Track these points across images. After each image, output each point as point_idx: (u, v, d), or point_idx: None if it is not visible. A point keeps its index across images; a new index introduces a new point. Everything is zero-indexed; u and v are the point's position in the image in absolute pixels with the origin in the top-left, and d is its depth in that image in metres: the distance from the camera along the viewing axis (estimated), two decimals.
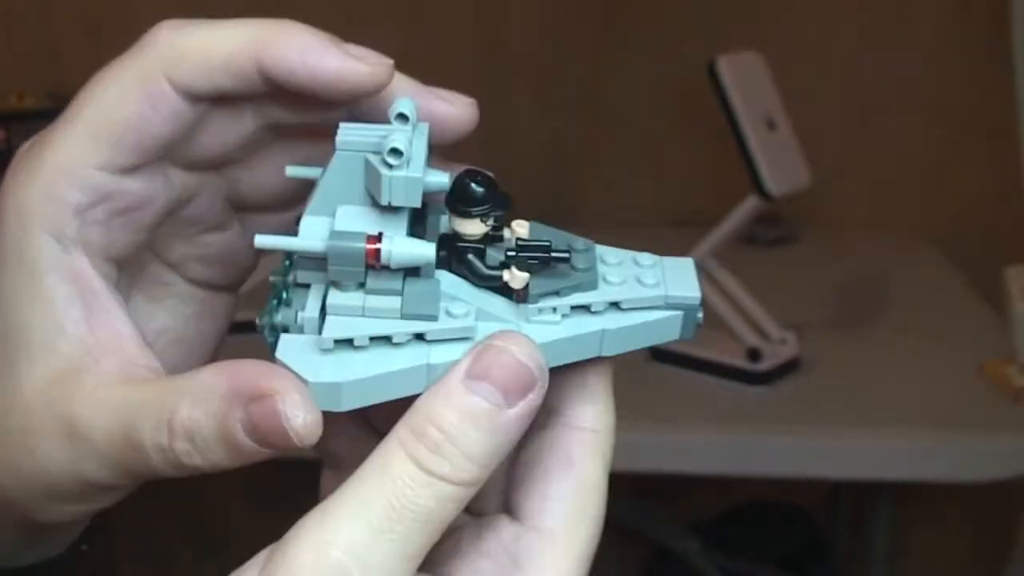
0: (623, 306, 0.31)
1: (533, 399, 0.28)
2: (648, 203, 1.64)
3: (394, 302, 0.29)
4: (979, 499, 1.61)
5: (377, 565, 0.26)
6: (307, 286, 0.30)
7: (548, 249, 0.30)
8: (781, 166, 1.06)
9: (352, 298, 0.29)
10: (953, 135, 1.60)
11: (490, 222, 0.30)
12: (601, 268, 0.32)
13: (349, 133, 0.30)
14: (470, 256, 0.30)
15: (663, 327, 0.32)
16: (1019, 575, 1.25)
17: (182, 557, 1.71)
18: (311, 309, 0.29)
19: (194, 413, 0.28)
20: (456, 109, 0.33)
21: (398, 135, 0.29)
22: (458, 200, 0.30)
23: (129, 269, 0.34)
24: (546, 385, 0.28)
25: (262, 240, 0.30)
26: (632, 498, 1.45)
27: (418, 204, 0.30)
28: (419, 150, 0.30)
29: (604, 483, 0.31)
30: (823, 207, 1.56)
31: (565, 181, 1.64)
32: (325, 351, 0.28)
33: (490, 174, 0.30)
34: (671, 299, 0.32)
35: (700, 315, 0.32)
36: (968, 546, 1.67)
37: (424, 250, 0.29)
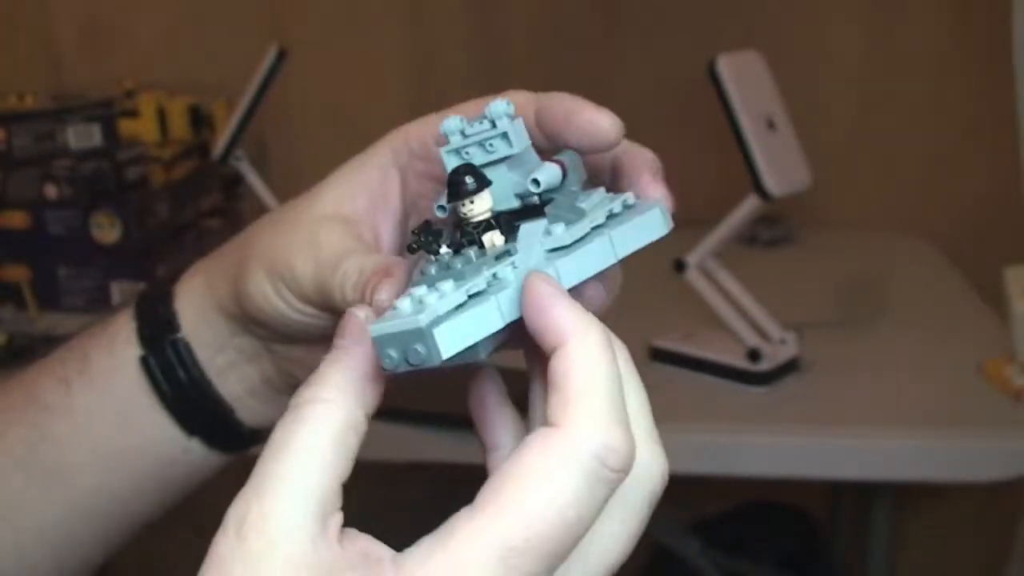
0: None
1: None
2: None
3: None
4: (979, 499, 1.61)
5: None
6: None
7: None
8: (781, 166, 1.06)
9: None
10: (953, 135, 1.60)
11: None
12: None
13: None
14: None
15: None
16: (1019, 575, 1.25)
17: (179, 546, 1.71)
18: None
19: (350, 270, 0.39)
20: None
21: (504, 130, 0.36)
22: (458, 193, 0.35)
23: None
24: None
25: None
26: None
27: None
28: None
29: (559, 480, 0.29)
30: (823, 207, 1.56)
31: None
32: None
33: (469, 164, 0.35)
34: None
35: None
36: (968, 546, 1.67)
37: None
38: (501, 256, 0.33)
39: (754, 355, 1.10)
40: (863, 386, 1.13)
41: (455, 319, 0.31)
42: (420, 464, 1.09)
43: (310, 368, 0.45)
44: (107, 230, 1.34)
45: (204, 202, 1.54)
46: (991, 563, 1.42)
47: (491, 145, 0.35)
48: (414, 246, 0.35)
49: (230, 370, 0.47)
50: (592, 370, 0.30)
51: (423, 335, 0.30)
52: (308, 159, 1.69)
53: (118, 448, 0.47)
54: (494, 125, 0.35)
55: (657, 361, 1.17)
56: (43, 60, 1.68)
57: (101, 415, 0.47)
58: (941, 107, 1.59)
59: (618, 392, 0.31)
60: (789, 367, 1.13)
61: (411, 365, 0.31)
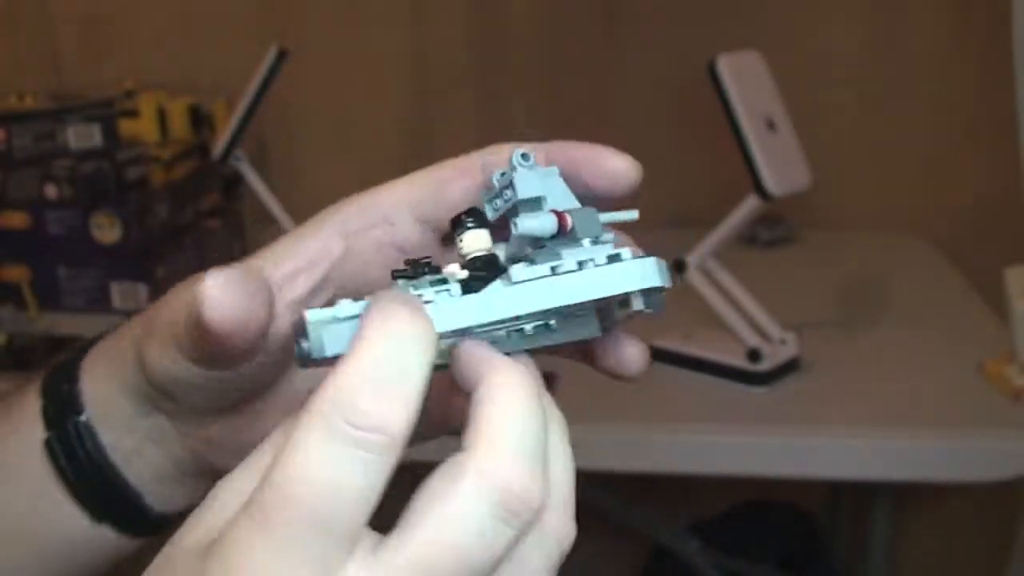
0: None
1: None
2: (648, 203, 1.63)
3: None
4: (979, 499, 1.61)
5: None
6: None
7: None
8: (781, 166, 1.06)
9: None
10: (953, 135, 1.60)
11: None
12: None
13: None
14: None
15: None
16: (1019, 575, 1.25)
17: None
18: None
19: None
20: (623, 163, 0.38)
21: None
22: (455, 228, 0.35)
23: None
24: None
25: None
26: (633, 498, 1.45)
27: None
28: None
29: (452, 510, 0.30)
30: (823, 207, 1.56)
31: None
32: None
33: (475, 208, 0.36)
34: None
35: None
36: (968, 546, 1.67)
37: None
38: (437, 283, 0.34)
39: (754, 355, 1.10)
40: (863, 386, 1.14)
41: (346, 323, 0.32)
42: (421, 464, 1.09)
43: (224, 450, 0.44)
44: (107, 230, 1.34)
45: (204, 202, 1.54)
46: (991, 563, 1.42)
47: (506, 194, 0.36)
48: (397, 273, 0.34)
49: (138, 454, 0.45)
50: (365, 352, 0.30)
51: (306, 329, 0.32)
52: (308, 159, 1.69)
53: (28, 531, 0.46)
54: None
55: (657, 361, 1.17)
56: (43, 60, 1.68)
57: (11, 498, 0.46)
58: (941, 107, 1.60)
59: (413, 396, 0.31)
60: (789, 367, 1.13)
61: (299, 357, 0.33)
